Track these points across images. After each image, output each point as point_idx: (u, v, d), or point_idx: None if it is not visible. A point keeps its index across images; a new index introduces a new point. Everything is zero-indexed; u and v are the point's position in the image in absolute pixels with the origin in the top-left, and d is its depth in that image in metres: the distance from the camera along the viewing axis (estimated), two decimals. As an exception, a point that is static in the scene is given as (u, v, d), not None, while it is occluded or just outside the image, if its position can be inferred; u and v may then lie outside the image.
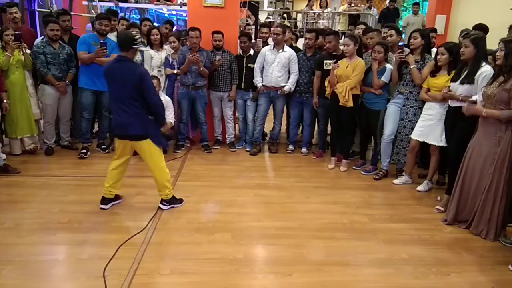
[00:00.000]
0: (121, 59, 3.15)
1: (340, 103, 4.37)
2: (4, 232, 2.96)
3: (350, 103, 4.33)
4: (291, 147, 5.35)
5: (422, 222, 3.45)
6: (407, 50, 4.20)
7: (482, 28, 4.40)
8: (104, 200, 3.40)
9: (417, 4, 8.51)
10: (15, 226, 3.05)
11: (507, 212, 3.13)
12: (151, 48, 4.93)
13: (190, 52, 4.74)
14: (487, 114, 3.04)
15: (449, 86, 3.57)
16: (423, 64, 4.03)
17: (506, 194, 3.06)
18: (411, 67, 3.99)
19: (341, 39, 4.85)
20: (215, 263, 2.70)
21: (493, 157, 3.05)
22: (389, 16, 6.28)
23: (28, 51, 4.46)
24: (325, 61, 4.51)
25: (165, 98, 4.62)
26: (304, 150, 5.25)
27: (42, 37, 4.65)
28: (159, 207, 3.42)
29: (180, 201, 3.56)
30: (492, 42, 3.60)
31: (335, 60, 4.44)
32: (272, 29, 5.46)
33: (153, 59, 4.90)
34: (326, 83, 4.55)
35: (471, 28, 4.57)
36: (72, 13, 5.47)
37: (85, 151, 4.71)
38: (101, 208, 3.37)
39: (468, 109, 3.21)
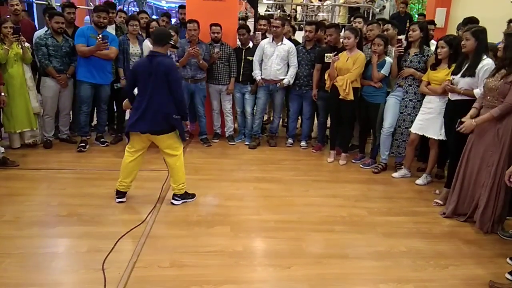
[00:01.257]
0: (156, 54, 3.13)
1: (340, 96, 4.36)
2: (4, 225, 2.97)
3: (351, 96, 4.31)
4: (290, 140, 5.34)
5: (420, 215, 3.46)
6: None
7: (472, 22, 4.36)
8: (121, 193, 3.40)
9: (422, 15, 7.80)
10: (15, 219, 3.05)
11: (507, 205, 3.14)
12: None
13: (190, 45, 4.71)
14: (477, 122, 3.04)
15: (451, 79, 3.54)
16: (422, 57, 4.02)
17: (506, 187, 3.05)
18: (420, 79, 3.98)
19: (341, 31, 4.81)
20: (214, 255, 2.70)
21: (492, 150, 3.04)
22: (400, 22, 5.78)
23: (27, 44, 4.41)
24: (326, 54, 4.48)
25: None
26: (303, 143, 5.24)
27: (46, 29, 4.62)
28: (171, 203, 3.41)
29: (193, 196, 3.54)
30: (493, 35, 3.58)
31: (335, 52, 4.42)
32: (271, 20, 5.43)
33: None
34: (326, 76, 4.53)
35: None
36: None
37: (83, 144, 4.70)
38: (120, 202, 3.38)
39: (466, 128, 3.12)
